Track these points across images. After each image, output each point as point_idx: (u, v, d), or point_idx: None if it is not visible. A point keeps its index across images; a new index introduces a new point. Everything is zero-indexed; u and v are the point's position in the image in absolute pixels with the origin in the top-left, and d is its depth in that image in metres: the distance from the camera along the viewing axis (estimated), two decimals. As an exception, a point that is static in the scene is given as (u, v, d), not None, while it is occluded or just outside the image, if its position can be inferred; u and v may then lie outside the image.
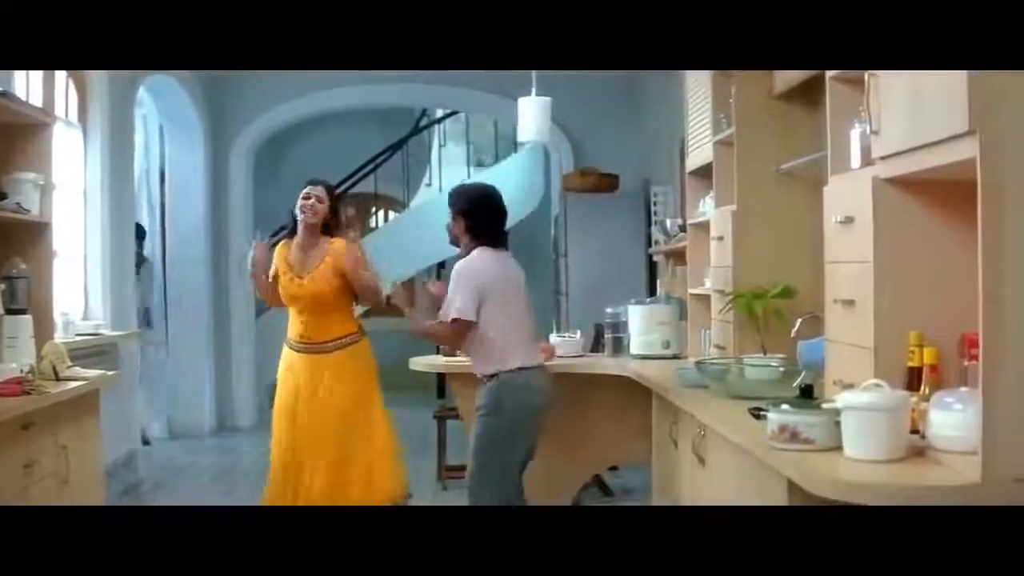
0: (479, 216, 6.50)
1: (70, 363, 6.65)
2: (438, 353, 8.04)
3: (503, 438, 6.37)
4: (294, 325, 7.35)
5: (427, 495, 8.52)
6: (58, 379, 6.42)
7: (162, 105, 12.28)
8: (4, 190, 6.50)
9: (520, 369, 6.37)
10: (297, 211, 7.28)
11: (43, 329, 6.77)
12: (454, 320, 6.30)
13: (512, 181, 16.17)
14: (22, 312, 6.57)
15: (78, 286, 9.16)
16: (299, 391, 7.27)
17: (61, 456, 6.09)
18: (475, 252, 6.41)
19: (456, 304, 6.28)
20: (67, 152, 8.73)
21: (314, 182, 7.40)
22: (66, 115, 8.86)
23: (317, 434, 7.23)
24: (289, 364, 7.35)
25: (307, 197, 7.26)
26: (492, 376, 6.38)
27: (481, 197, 6.61)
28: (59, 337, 7.26)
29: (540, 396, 6.45)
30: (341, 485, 7.22)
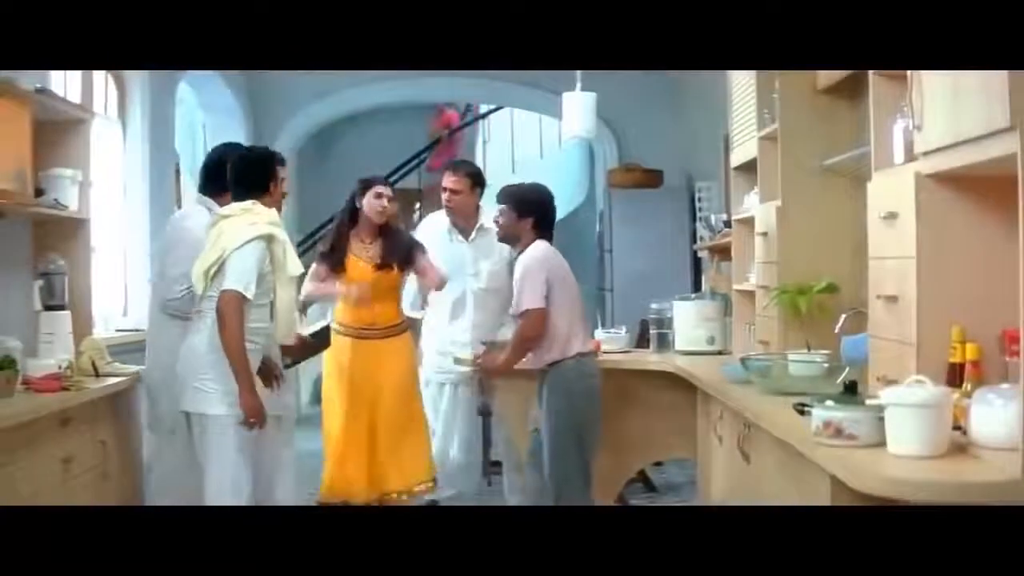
0: (543, 215, 6.62)
1: (109, 359, 6.70)
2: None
3: (579, 423, 6.42)
4: (356, 313, 7.51)
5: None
6: (98, 375, 6.46)
7: (203, 99, 12.30)
8: (42, 186, 6.51)
9: (579, 355, 6.46)
10: (366, 207, 7.47)
11: (82, 325, 6.82)
12: (526, 311, 6.36)
13: (557, 177, 16.17)
14: (60, 308, 6.61)
15: (119, 282, 9.19)
16: (371, 375, 7.50)
17: (100, 451, 6.13)
18: (536, 244, 6.50)
19: (526, 295, 6.35)
20: (106, 148, 8.74)
21: (384, 181, 7.58)
22: (105, 111, 8.87)
23: (394, 412, 7.52)
24: (354, 351, 7.51)
25: (379, 196, 7.45)
26: (553, 364, 6.42)
27: (543, 196, 6.72)
28: (99, 333, 7.29)
29: (598, 380, 6.57)
30: (405, 460, 7.52)
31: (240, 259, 5.51)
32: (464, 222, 7.90)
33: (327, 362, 7.54)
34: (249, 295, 5.47)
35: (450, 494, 8.02)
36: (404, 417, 7.52)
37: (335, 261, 7.40)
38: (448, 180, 7.97)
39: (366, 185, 7.52)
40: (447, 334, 7.90)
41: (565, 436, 6.41)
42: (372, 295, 7.47)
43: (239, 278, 5.47)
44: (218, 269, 5.56)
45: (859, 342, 5.11)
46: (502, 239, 6.80)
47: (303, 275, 6.26)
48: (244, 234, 5.56)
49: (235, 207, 5.77)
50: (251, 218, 5.67)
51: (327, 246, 7.54)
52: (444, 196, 7.95)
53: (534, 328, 6.37)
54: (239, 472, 5.59)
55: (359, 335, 7.45)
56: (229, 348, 5.49)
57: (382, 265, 7.44)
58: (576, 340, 6.47)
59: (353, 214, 7.51)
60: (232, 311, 5.45)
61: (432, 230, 8.12)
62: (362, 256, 7.46)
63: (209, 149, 12.02)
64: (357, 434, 7.39)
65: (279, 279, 5.72)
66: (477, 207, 8.00)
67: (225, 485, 5.56)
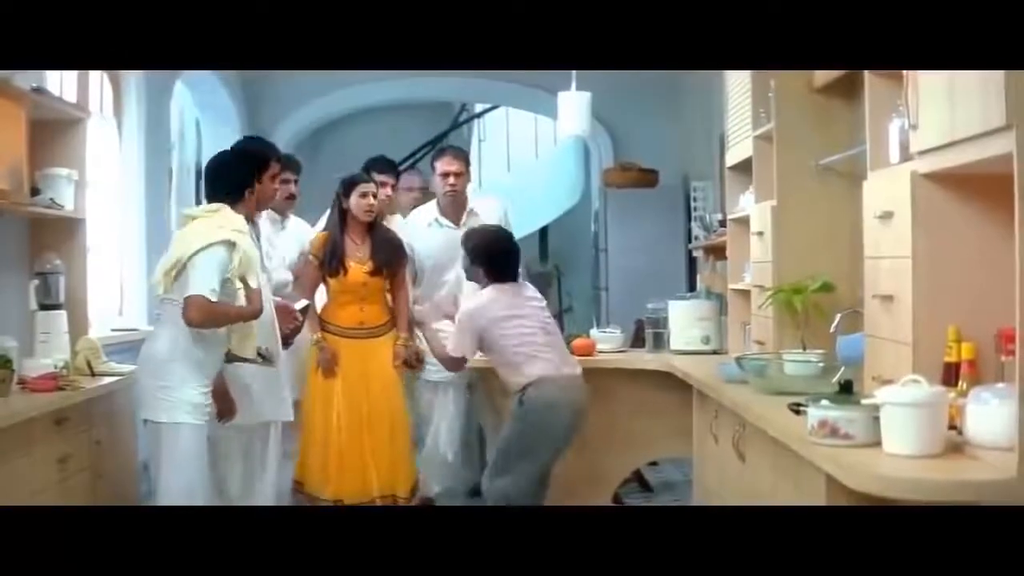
0: (485, 261, 6.79)
1: (105, 358, 6.70)
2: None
3: (524, 446, 6.59)
4: (346, 312, 7.51)
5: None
6: (93, 374, 6.46)
7: (199, 98, 12.27)
8: (37, 186, 6.52)
9: (541, 379, 6.54)
10: (353, 207, 7.47)
11: (77, 324, 6.82)
12: (452, 356, 6.84)
13: (552, 176, 16.15)
14: (56, 308, 6.61)
15: (114, 282, 9.17)
16: (361, 374, 7.49)
17: (95, 451, 6.13)
18: (484, 291, 6.77)
19: (455, 342, 6.78)
20: (102, 147, 8.70)
21: (365, 179, 7.52)
22: (100, 110, 8.85)
23: (382, 413, 7.51)
24: (343, 350, 7.50)
25: (364, 195, 7.43)
26: (521, 389, 6.59)
27: (491, 242, 6.88)
28: (94, 333, 7.26)
29: (564, 408, 6.59)
30: (393, 466, 7.56)
31: (203, 262, 5.38)
32: (457, 210, 7.92)
33: (312, 360, 7.51)
34: (214, 299, 5.35)
35: (442, 490, 8.02)
36: (389, 418, 7.51)
37: (336, 268, 7.39)
38: (450, 165, 7.94)
39: (350, 185, 7.49)
40: (442, 323, 7.88)
41: (508, 454, 6.66)
42: (362, 296, 7.52)
43: (203, 283, 5.33)
44: (179, 272, 5.44)
45: (855, 341, 5.11)
46: (468, 278, 7.10)
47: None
48: (208, 236, 5.43)
49: (203, 209, 5.72)
50: (218, 221, 5.54)
51: (325, 254, 7.48)
52: (449, 181, 7.89)
53: (451, 366, 7.07)
54: (194, 480, 5.51)
55: (348, 335, 7.45)
56: (228, 322, 5.59)
57: (374, 272, 7.46)
58: (535, 367, 6.58)
59: (342, 215, 7.49)
60: (202, 315, 5.36)
61: (418, 225, 8.12)
62: (354, 257, 7.45)
63: (203, 149, 12.02)
64: (342, 433, 7.37)
65: (236, 291, 5.59)
66: None
67: (179, 494, 5.46)
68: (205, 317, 5.38)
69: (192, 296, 5.32)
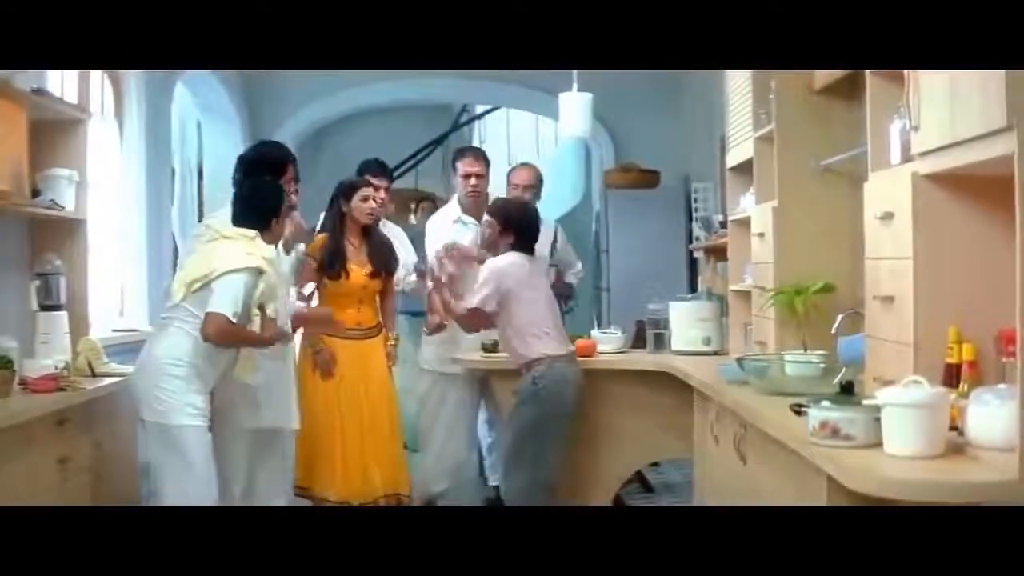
0: (522, 232, 7.01)
1: (106, 359, 6.70)
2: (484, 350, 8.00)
3: (538, 424, 6.77)
4: (344, 314, 7.41)
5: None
6: (94, 375, 6.46)
7: (199, 99, 12.22)
8: (38, 187, 6.52)
9: (550, 357, 6.78)
10: (355, 210, 7.50)
11: (79, 325, 6.82)
12: (473, 308, 6.90)
13: (553, 177, 16.13)
14: (57, 308, 6.61)
15: (115, 282, 9.15)
16: (358, 375, 7.50)
17: (96, 452, 6.13)
18: (509, 253, 6.93)
19: (481, 296, 6.83)
20: (103, 148, 8.66)
21: (366, 183, 7.54)
22: (101, 111, 8.82)
23: (381, 413, 7.56)
24: (340, 351, 7.46)
25: (366, 199, 7.49)
26: (527, 365, 6.80)
27: (526, 216, 7.14)
28: (95, 333, 7.26)
29: (569, 385, 6.86)
30: (394, 465, 7.61)
31: (230, 284, 5.54)
32: (479, 208, 7.96)
33: (308, 361, 7.49)
34: (235, 321, 5.50)
35: (443, 488, 8.03)
36: (389, 418, 7.56)
37: (338, 271, 7.38)
38: (473, 166, 8.15)
39: (351, 188, 7.50)
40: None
41: (523, 437, 6.83)
42: (360, 298, 7.54)
43: (226, 304, 5.49)
44: (203, 286, 5.58)
45: (855, 342, 5.10)
46: (486, 247, 7.15)
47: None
48: (239, 261, 5.59)
49: (238, 231, 5.79)
50: (250, 247, 5.71)
51: (324, 257, 7.47)
52: (471, 182, 8.10)
53: (469, 322, 7.13)
54: (199, 482, 5.58)
55: (345, 336, 7.43)
56: (241, 344, 5.78)
57: (374, 274, 7.50)
58: (546, 345, 6.83)
59: (340, 218, 7.49)
60: (220, 334, 5.51)
61: (441, 224, 8.19)
62: (355, 260, 7.46)
63: (204, 151, 11.97)
64: (345, 435, 7.38)
65: (253, 318, 5.76)
66: None
67: (186, 495, 5.53)
68: (223, 335, 5.53)
69: (214, 313, 5.48)
